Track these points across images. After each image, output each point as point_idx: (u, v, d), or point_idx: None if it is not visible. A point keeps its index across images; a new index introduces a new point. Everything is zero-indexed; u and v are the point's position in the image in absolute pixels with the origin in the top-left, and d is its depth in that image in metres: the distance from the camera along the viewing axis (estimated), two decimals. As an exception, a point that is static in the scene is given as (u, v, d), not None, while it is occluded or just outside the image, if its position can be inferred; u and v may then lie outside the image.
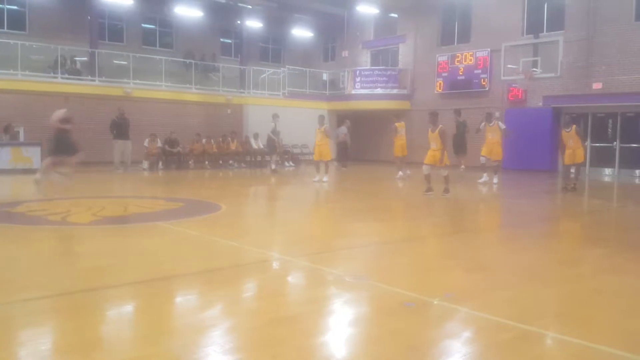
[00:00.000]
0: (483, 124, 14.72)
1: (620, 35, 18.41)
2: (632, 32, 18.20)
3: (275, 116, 17.99)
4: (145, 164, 18.83)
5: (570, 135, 12.94)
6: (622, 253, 6.49)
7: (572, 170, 13.42)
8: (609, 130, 19.35)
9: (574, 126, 13.15)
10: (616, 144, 19.14)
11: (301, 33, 29.62)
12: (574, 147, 12.90)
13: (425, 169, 11.33)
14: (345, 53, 27.85)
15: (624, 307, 4.24)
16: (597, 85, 19.06)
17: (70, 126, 10.56)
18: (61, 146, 10.38)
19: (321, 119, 14.88)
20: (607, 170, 19.44)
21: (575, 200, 11.89)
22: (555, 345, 3.49)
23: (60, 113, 10.59)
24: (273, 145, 18.44)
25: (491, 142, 14.47)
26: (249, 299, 4.47)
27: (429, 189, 11.31)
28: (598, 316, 3.98)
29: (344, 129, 20.22)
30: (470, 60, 22.70)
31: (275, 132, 18.25)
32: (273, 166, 18.39)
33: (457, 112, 17.54)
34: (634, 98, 18.10)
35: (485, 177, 14.91)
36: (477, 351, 3.32)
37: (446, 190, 11.21)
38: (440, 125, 11.16)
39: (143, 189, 13.68)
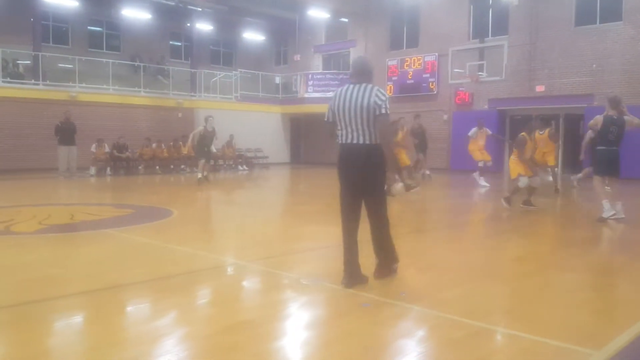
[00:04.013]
0: (474, 129, 15.19)
1: (561, 40, 19.18)
2: (572, 37, 18.99)
3: (207, 118, 15.20)
4: (93, 170, 18.27)
5: (542, 138, 12.02)
6: (566, 249, 6.76)
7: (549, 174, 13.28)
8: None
9: (548, 129, 12.43)
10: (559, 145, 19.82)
11: (253, 36, 29.48)
12: (545, 150, 12.15)
13: None
14: (297, 57, 27.91)
15: (570, 302, 4.40)
16: (540, 88, 19.78)
17: None
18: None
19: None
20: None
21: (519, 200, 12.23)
22: (507, 341, 3.58)
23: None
24: (201, 151, 15.35)
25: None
26: (203, 306, 4.39)
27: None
28: (546, 311, 4.11)
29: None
30: (419, 64, 23.15)
31: (202, 135, 15.07)
32: (199, 175, 15.16)
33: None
34: (575, 100, 18.88)
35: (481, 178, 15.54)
36: (431, 349, 3.38)
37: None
38: None
39: (90, 195, 13.27)
